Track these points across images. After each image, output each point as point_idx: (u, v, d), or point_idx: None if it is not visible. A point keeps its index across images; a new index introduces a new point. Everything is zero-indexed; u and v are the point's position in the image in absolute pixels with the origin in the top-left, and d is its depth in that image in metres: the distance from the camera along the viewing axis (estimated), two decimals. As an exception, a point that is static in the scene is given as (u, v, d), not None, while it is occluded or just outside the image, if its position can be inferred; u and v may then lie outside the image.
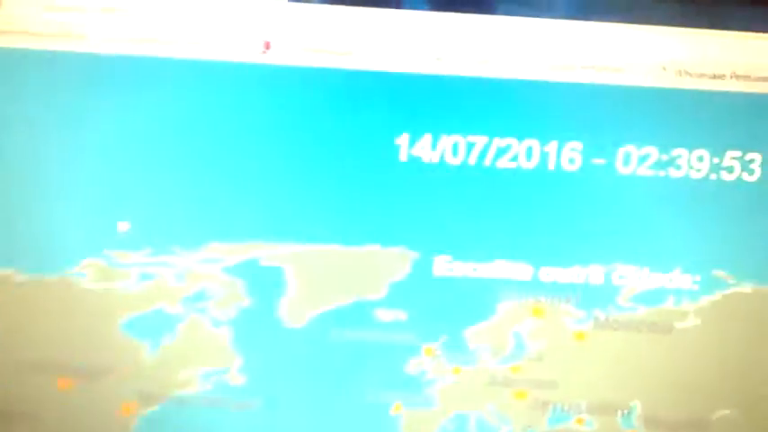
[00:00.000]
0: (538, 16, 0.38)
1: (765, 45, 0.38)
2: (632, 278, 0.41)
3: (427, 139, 0.39)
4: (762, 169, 0.40)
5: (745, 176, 0.40)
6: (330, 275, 0.41)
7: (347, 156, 0.39)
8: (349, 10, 0.38)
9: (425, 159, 0.39)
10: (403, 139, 0.39)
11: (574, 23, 0.38)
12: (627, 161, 0.39)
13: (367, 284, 0.41)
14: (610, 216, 0.40)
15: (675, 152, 0.39)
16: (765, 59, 0.38)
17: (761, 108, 0.39)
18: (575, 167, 0.39)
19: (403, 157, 0.39)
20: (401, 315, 0.41)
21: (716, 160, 0.39)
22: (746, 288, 0.41)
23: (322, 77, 0.39)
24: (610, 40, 0.38)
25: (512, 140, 0.39)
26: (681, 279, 0.41)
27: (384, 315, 0.41)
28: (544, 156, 0.39)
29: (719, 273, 0.41)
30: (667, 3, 0.38)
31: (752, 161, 0.40)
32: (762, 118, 0.39)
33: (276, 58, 0.39)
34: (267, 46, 0.38)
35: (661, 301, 0.41)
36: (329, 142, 0.39)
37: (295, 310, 0.41)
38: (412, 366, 0.41)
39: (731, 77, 0.39)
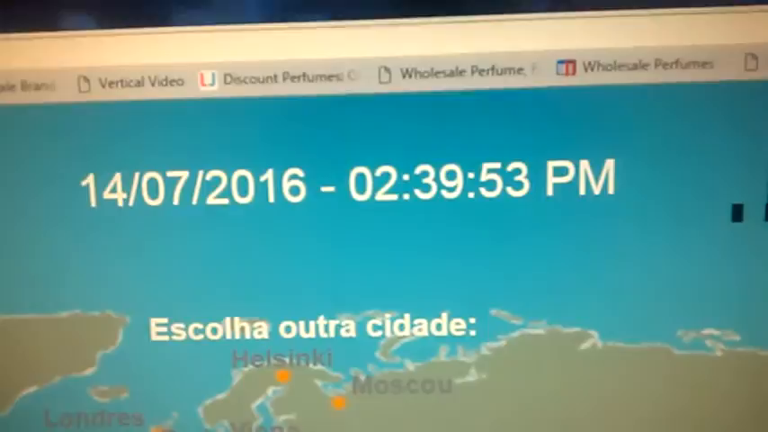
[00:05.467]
0: (213, 22, 0.32)
1: (509, 28, 0.32)
2: (390, 327, 0.34)
3: (117, 178, 0.33)
4: (530, 181, 0.32)
5: (511, 192, 0.33)
6: (27, 350, 0.35)
7: (32, 204, 0.34)
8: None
9: (119, 203, 0.33)
10: (89, 180, 0.33)
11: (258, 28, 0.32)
12: (361, 186, 0.33)
13: (73, 358, 0.35)
14: (350, 253, 0.33)
15: (419, 169, 0.32)
16: (517, 46, 0.32)
17: (513, 106, 0.32)
18: (300, 198, 0.33)
19: (93, 201, 0.33)
20: (121, 391, 0.35)
21: (471, 175, 0.32)
22: (538, 329, 0.34)
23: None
24: (313, 42, 0.32)
25: (219, 172, 0.33)
26: (451, 324, 0.34)
27: (100, 393, 0.35)
28: (261, 187, 0.33)
29: (500, 313, 0.34)
30: None
31: (516, 172, 0.32)
32: (516, 118, 0.32)
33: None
34: None
35: (432, 354, 0.34)
36: (9, 187, 0.34)
37: (-5, 393, 0.35)
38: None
39: (472, 73, 0.32)
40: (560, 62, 0.32)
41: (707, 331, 0.34)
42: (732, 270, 0.33)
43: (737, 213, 0.33)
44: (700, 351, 0.34)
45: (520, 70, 0.32)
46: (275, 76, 0.33)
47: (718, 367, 0.34)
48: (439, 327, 0.34)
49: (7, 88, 0.33)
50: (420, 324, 0.34)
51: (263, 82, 0.33)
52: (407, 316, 0.34)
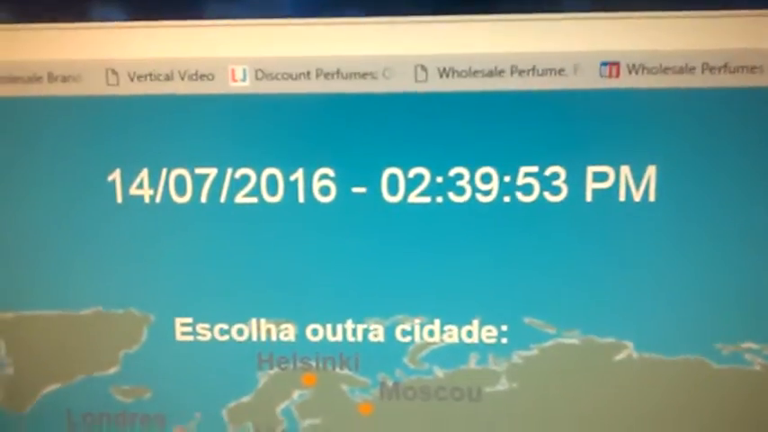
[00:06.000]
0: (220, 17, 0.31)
1: (551, 27, 0.30)
2: (419, 333, 0.33)
3: (144, 174, 0.32)
4: (568, 186, 0.31)
5: (549, 196, 0.32)
6: (50, 347, 0.34)
7: (56, 198, 0.33)
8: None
9: (146, 199, 0.32)
10: (115, 176, 0.32)
11: (310, 24, 0.31)
12: (393, 187, 0.32)
13: (96, 356, 0.34)
14: (380, 256, 0.33)
15: (453, 172, 0.32)
16: (559, 46, 0.30)
17: (553, 108, 0.31)
18: (330, 198, 0.32)
19: (119, 197, 0.32)
20: (144, 392, 0.34)
21: (507, 179, 0.31)
22: (571, 339, 0.33)
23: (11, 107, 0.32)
24: (347, 38, 0.31)
25: (248, 170, 0.32)
26: (482, 331, 0.33)
27: (123, 393, 0.34)
28: (290, 186, 0.32)
29: (533, 321, 0.33)
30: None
31: (554, 177, 0.31)
32: (555, 120, 0.31)
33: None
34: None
35: (462, 361, 0.33)
36: (34, 181, 0.33)
37: (17, 390, 0.35)
38: (160, 454, 0.35)
39: (512, 73, 0.31)
40: (604, 64, 0.31)
41: (746, 345, 0.33)
42: (775, 282, 0.32)
43: (783, 224, 0.32)
44: (738, 365, 0.33)
45: (561, 71, 0.31)
46: (308, 73, 0.32)
47: (756, 382, 0.33)
48: (470, 334, 0.34)
49: (34, 80, 0.33)
50: (450, 330, 0.34)
51: (295, 78, 0.32)
52: (437, 321, 0.34)
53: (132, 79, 0.32)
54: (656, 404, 0.34)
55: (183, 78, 0.32)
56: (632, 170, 0.32)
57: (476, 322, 0.33)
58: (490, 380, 0.34)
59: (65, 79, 0.33)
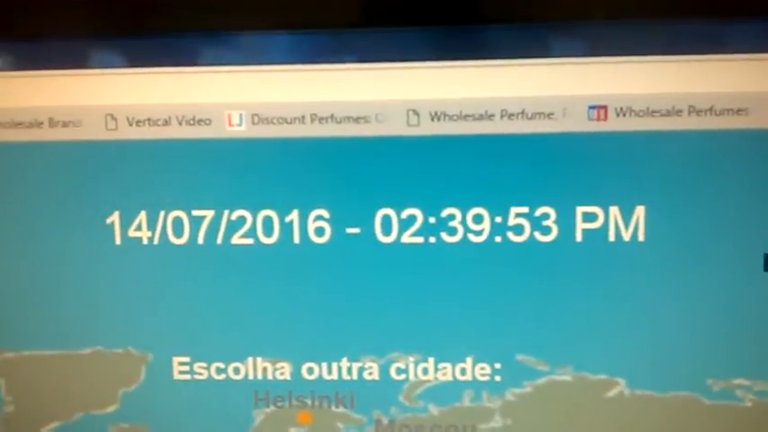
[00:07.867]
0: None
1: (540, 72, 0.31)
2: (414, 371, 0.33)
3: (142, 216, 0.33)
4: (558, 227, 0.32)
5: (539, 237, 0.32)
6: (50, 386, 0.34)
7: (57, 240, 0.33)
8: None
9: (144, 241, 0.33)
10: (114, 218, 0.33)
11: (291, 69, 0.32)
12: (387, 228, 0.32)
13: (95, 394, 0.34)
14: (374, 295, 0.33)
15: (446, 212, 0.32)
16: (548, 90, 0.31)
17: (542, 150, 0.31)
18: (325, 239, 0.32)
19: (118, 239, 0.33)
20: (142, 429, 0.34)
21: (498, 219, 0.32)
22: (564, 376, 0.33)
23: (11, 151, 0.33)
24: (341, 84, 0.32)
25: (244, 212, 0.32)
26: (476, 369, 0.33)
27: (121, 431, 0.34)
28: (286, 227, 0.33)
29: (526, 359, 0.33)
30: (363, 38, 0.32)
31: (544, 217, 0.32)
32: (545, 162, 0.31)
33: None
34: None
35: (456, 399, 0.33)
36: (36, 224, 0.33)
37: (17, 428, 0.35)
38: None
39: (501, 117, 0.31)
40: (592, 107, 0.31)
41: (737, 381, 0.33)
42: (763, 320, 0.32)
43: (770, 263, 0.32)
44: (729, 401, 0.33)
45: (550, 115, 0.32)
46: (303, 118, 0.32)
47: (747, 418, 0.33)
48: (464, 371, 0.34)
49: (35, 125, 0.33)
50: (444, 368, 0.34)
51: (290, 123, 0.32)
52: (432, 360, 0.34)
53: (131, 124, 0.33)
54: (648, 441, 0.34)
55: (180, 123, 0.33)
56: (621, 211, 0.32)
57: (469, 360, 0.33)
58: (484, 417, 0.34)
59: (65, 124, 0.33)
